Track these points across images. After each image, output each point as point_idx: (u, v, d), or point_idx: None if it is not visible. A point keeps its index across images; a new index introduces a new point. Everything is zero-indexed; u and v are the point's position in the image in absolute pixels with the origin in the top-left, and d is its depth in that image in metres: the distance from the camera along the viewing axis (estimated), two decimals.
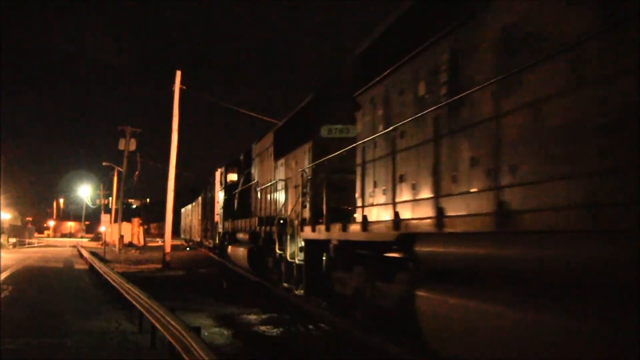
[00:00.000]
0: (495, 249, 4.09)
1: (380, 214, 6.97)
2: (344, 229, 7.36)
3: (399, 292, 5.94)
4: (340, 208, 8.98)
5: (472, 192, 4.75)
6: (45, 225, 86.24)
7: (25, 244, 52.13)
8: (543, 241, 3.65)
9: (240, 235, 16.68)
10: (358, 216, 7.76)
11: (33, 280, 16.92)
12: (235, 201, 18.40)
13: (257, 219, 14.00)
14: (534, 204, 3.92)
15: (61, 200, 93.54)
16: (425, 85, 6.24)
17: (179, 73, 23.67)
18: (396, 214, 5.88)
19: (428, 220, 5.09)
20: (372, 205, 7.25)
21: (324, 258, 9.18)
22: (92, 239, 64.90)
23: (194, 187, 50.48)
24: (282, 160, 12.55)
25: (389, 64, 7.13)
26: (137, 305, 8.42)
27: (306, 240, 9.39)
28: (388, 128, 6.88)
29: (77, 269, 21.41)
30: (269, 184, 13.39)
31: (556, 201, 3.71)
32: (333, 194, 9.13)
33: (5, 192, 57.45)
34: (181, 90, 23.36)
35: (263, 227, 13.11)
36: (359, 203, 7.77)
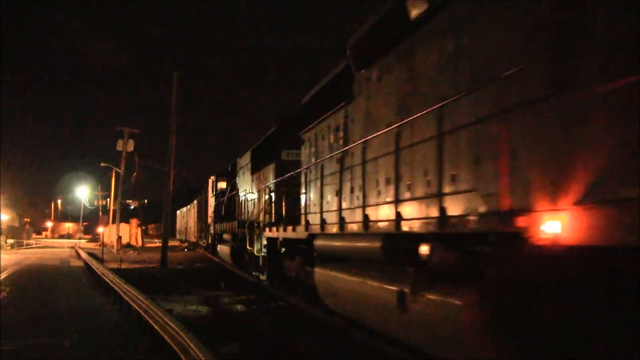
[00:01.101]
0: (341, 243, 7.93)
1: (330, 220, 10.70)
2: (285, 230, 11.22)
3: (313, 273, 9.77)
4: (294, 214, 12.80)
5: (330, 210, 8.59)
6: (43, 226, 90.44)
7: (23, 245, 54.49)
8: (358, 238, 7.48)
9: (226, 236, 20.73)
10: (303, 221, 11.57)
11: (31, 280, 18.19)
12: (223, 206, 22.40)
13: (237, 222, 17.97)
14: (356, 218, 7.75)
15: (59, 201, 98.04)
16: (333, 136, 10.03)
17: (176, 74, 25.14)
18: (307, 222, 9.74)
19: (317, 226, 8.94)
20: (309, 213, 11.07)
21: (282, 251, 13.01)
22: (90, 240, 67.73)
23: (191, 188, 54.10)
24: (257, 175, 16.42)
25: (318, 116, 10.93)
26: (135, 307, 9.53)
27: (267, 238, 13.28)
28: (317, 161, 10.70)
29: (74, 270, 23.14)
30: (245, 194, 17.32)
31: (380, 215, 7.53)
32: (290, 204, 12.95)
33: (4, 193, 60.95)
34: (180, 91, 24.92)
35: (240, 229, 17.06)
36: (302, 211, 11.59)
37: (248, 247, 15.35)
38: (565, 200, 3.78)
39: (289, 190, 13.02)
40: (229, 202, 21.39)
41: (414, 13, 6.81)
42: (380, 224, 6.58)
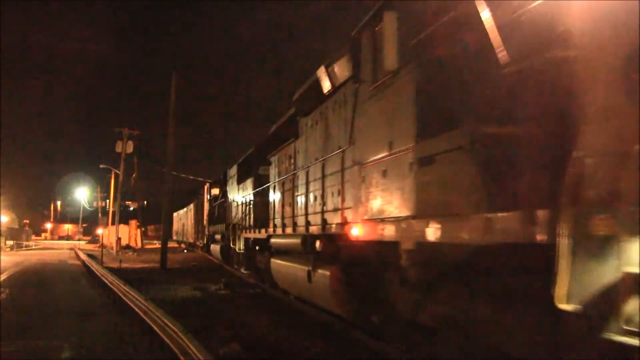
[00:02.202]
0: (283, 240, 12.43)
1: (278, 224, 15.20)
2: (254, 232, 15.75)
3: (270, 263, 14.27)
4: (268, 219, 17.30)
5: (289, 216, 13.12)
6: (42, 227, 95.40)
7: (22, 247, 57.37)
8: (291, 237, 11.96)
9: (217, 236, 25.48)
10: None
11: (31, 282, 19.54)
12: (216, 211, 27.05)
13: (225, 225, 22.61)
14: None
15: (58, 203, 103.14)
16: (287, 162, 14.49)
17: (175, 74, 27.25)
18: (266, 226, 14.24)
19: (272, 229, 13.44)
20: (270, 219, 15.55)
21: (256, 248, 17.53)
22: (90, 242, 71.23)
23: (190, 190, 58.20)
24: (241, 185, 20.96)
25: (280, 145, 15.39)
26: (135, 308, 10.42)
27: (245, 238, 17.83)
28: (276, 180, 15.17)
29: (74, 271, 25.04)
30: (232, 201, 21.92)
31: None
32: (262, 211, 17.44)
33: (3, 194, 65.30)
34: (179, 91, 26.85)
35: (227, 231, 21.65)
36: (271, 217, 16.10)
37: (232, 246, 19.93)
38: (360, 217, 8.21)
39: (262, 200, 17.52)
40: (220, 207, 25.99)
41: (325, 88, 11.22)
42: (301, 228, 11.07)
